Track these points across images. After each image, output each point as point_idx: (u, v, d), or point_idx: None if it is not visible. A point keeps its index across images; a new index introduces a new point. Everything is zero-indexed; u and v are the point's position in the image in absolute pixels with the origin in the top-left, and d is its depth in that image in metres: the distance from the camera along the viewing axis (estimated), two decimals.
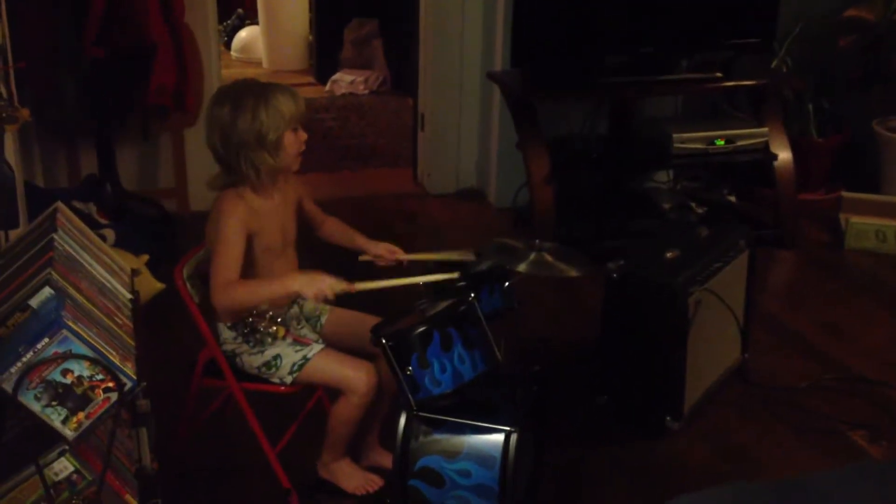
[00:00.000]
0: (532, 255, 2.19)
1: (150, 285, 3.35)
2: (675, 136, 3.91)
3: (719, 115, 4.29)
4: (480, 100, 4.40)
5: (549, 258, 2.19)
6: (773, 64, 4.30)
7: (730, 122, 4.11)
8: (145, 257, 3.43)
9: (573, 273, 2.16)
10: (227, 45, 7.35)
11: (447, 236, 4.10)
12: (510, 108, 3.96)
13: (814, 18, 4.32)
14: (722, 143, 3.97)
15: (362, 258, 2.45)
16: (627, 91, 3.95)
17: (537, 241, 2.21)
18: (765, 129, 4.00)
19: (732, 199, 4.48)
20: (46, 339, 1.63)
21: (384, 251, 2.43)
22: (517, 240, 2.29)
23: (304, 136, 2.26)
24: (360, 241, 2.48)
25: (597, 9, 3.84)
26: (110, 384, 1.67)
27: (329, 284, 2.15)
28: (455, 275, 2.17)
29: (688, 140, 3.93)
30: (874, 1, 4.26)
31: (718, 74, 3.96)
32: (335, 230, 2.52)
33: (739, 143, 3.99)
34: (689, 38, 3.98)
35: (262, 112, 2.16)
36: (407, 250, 2.44)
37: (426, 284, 2.21)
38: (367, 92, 6.35)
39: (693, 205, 4.23)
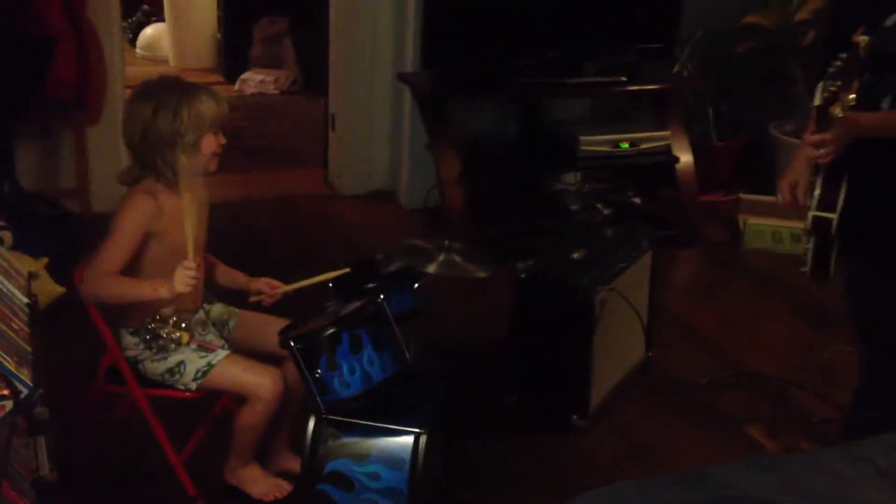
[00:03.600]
0: (441, 256, 2.21)
1: (50, 289, 3.24)
2: (581, 138, 3.99)
3: (625, 119, 4.39)
4: (392, 100, 4.39)
5: (457, 259, 2.21)
6: (676, 69, 4.42)
7: (635, 125, 4.21)
8: (45, 260, 3.32)
9: (481, 274, 2.19)
10: (132, 42, 7.18)
11: (359, 238, 4.08)
12: (420, 109, 3.98)
13: (714, 25, 4.45)
14: (627, 146, 4.07)
15: (251, 300, 2.41)
16: (535, 93, 4.02)
17: (446, 241, 2.23)
18: (667, 133, 4.11)
19: (637, 200, 4.57)
20: None
21: (265, 287, 2.39)
22: (426, 241, 2.30)
23: (222, 139, 2.24)
24: (241, 279, 2.45)
25: (505, 12, 3.90)
26: (5, 392, 1.62)
27: (190, 275, 2.12)
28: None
29: (594, 143, 4.02)
30: (771, 8, 4.42)
31: (623, 78, 4.05)
32: (217, 271, 2.47)
33: (643, 146, 4.09)
34: (594, 42, 4.08)
35: (185, 112, 2.14)
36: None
37: (334, 283, 2.22)
38: (277, 91, 6.30)
39: (599, 206, 4.32)
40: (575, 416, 2.77)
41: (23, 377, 1.64)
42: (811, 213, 2.13)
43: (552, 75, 3.99)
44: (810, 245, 2.15)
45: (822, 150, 2.02)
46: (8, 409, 1.62)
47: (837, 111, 1.95)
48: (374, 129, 4.45)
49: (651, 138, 4.11)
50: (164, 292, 2.14)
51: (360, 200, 4.49)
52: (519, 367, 2.86)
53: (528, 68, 3.96)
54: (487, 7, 3.87)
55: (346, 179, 4.53)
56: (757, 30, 4.39)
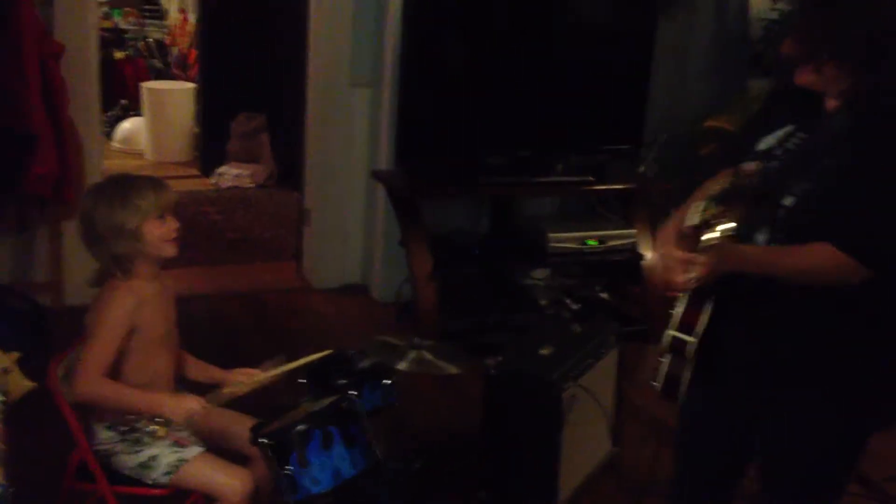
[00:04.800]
0: (412, 354, 2.25)
1: (21, 384, 3.22)
2: (550, 235, 4.10)
3: (593, 216, 4.52)
4: (365, 196, 4.50)
5: (428, 356, 2.25)
6: (641, 169, 4.57)
7: (602, 222, 4.34)
8: (16, 355, 3.31)
9: (452, 370, 2.23)
10: (109, 136, 7.27)
11: (331, 330, 4.13)
12: (393, 205, 4.08)
13: (678, 128, 4.63)
14: (594, 242, 4.18)
15: (226, 391, 2.38)
16: (505, 191, 4.14)
17: (415, 339, 2.28)
18: (633, 231, 4.23)
19: (605, 295, 4.67)
20: None
21: (242, 377, 2.40)
22: (398, 338, 2.35)
23: (174, 224, 2.30)
24: (217, 374, 2.47)
25: (477, 112, 4.05)
26: None
27: (196, 406, 2.19)
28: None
29: (563, 240, 4.13)
30: (732, 113, 4.61)
31: (590, 178, 4.19)
32: (190, 366, 2.50)
33: (610, 243, 4.21)
34: (563, 142, 4.22)
35: (118, 203, 2.22)
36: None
37: (307, 377, 2.25)
38: (253, 185, 6.36)
39: (568, 301, 4.40)
40: None
41: None
42: (668, 332, 1.99)
43: (522, 174, 4.12)
44: (665, 360, 2.02)
45: (690, 276, 1.88)
46: None
47: (711, 237, 1.83)
48: (347, 224, 4.55)
49: (618, 236, 4.24)
50: (166, 409, 2.19)
51: (334, 294, 4.55)
52: (489, 463, 2.88)
53: (500, 166, 4.09)
54: (460, 106, 4.02)
55: (319, 273, 4.60)
56: (718, 133, 4.57)
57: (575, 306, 4.39)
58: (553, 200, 4.70)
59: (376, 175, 4.22)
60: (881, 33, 1.81)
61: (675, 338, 1.98)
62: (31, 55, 3.45)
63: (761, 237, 1.90)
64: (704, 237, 1.84)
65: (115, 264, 2.25)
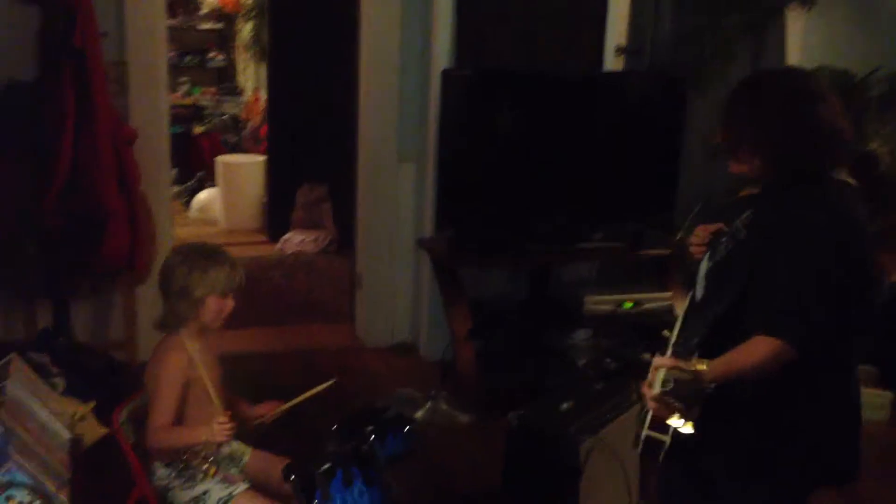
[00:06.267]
0: (428, 404, 2.50)
1: (95, 430, 3.58)
2: (586, 298, 4.32)
3: (628, 280, 4.71)
4: (413, 260, 4.78)
5: (443, 406, 2.50)
6: (678, 236, 4.75)
7: (637, 286, 4.53)
8: (92, 404, 3.66)
9: (464, 420, 2.47)
10: (187, 205, 7.76)
11: (379, 387, 4.36)
12: (435, 271, 4.35)
13: (714, 197, 4.80)
14: (630, 305, 4.38)
15: (256, 423, 2.67)
16: (540, 260, 4.36)
17: (433, 391, 2.53)
18: (669, 294, 4.42)
19: (648, 356, 4.82)
20: None
21: (266, 409, 2.67)
22: (417, 392, 2.60)
23: (230, 304, 2.59)
24: (244, 406, 2.72)
25: (515, 185, 4.28)
26: None
27: (227, 427, 2.45)
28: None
29: (599, 302, 4.34)
30: None
31: (623, 245, 4.39)
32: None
33: (646, 305, 4.40)
34: (597, 213, 4.45)
35: (197, 270, 2.52)
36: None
37: (339, 425, 2.52)
38: (315, 251, 6.74)
39: (608, 360, 4.58)
40: None
41: (62, 497, 1.96)
42: (643, 432, 2.06)
43: (560, 242, 4.34)
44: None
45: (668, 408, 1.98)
46: None
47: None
48: (396, 287, 4.83)
49: (653, 299, 4.42)
50: (205, 437, 2.48)
51: (384, 352, 4.80)
52: None
53: (537, 235, 4.32)
54: (498, 175, 4.25)
55: (371, 333, 4.88)
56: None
57: (614, 366, 4.55)
58: (590, 265, 4.90)
59: (420, 243, 4.52)
60: (777, 126, 2.01)
61: (649, 437, 2.07)
62: (106, 142, 3.85)
63: (696, 340, 2.04)
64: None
65: (171, 315, 2.55)
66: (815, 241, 1.97)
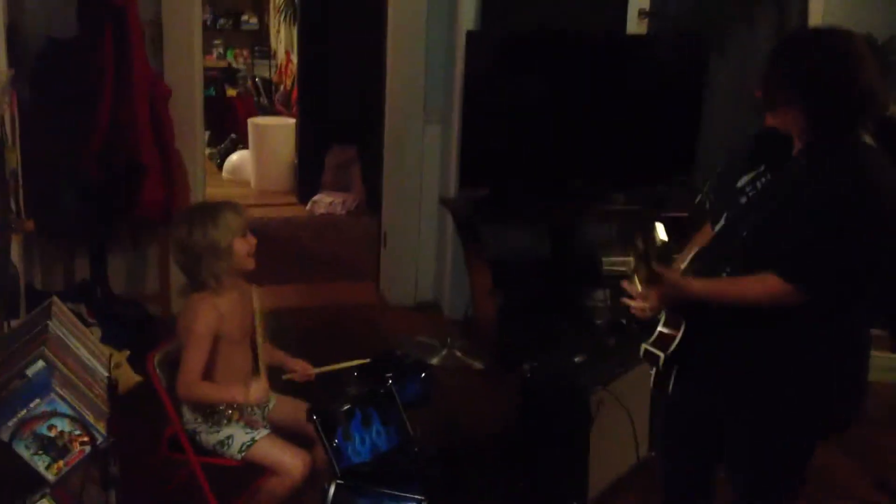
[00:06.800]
0: (444, 351, 2.63)
1: (130, 377, 3.77)
2: (604, 259, 4.42)
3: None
4: (437, 220, 4.90)
5: (458, 353, 2.63)
6: (697, 199, 4.82)
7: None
8: (126, 353, 3.85)
9: (478, 366, 2.60)
10: (220, 167, 7.93)
11: (401, 343, 4.50)
12: (458, 229, 4.47)
13: (734, 160, 4.85)
14: None
15: (285, 377, 2.83)
16: (563, 218, 4.45)
17: (448, 339, 2.66)
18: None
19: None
20: (38, 400, 2.06)
21: (300, 367, 2.82)
22: (433, 338, 2.73)
23: (253, 240, 2.70)
24: (281, 357, 2.88)
25: (539, 144, 4.35)
26: (86, 438, 2.09)
27: (262, 389, 2.61)
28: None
29: (616, 263, 4.43)
30: None
31: (639, 207, 4.46)
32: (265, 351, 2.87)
33: None
34: (621, 173, 4.52)
35: (210, 225, 2.62)
36: (363, 355, 2.85)
37: (358, 370, 2.66)
38: (344, 212, 6.89)
39: (625, 321, 4.67)
40: (574, 503, 3.11)
41: (100, 428, 2.12)
42: (643, 346, 2.34)
43: (582, 201, 4.41)
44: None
45: (643, 306, 2.24)
46: (87, 452, 2.10)
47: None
48: (420, 246, 4.95)
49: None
50: (240, 398, 2.63)
51: (407, 310, 4.94)
52: (525, 455, 3.22)
53: (559, 194, 4.40)
54: (521, 136, 4.32)
55: (394, 291, 5.02)
56: None
57: (634, 326, 4.65)
58: (613, 229, 4.98)
59: (443, 201, 4.63)
60: (819, 85, 2.07)
61: (647, 351, 2.33)
62: (142, 97, 4.00)
63: (728, 269, 2.17)
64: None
65: (206, 280, 2.64)
66: (844, 199, 2.03)
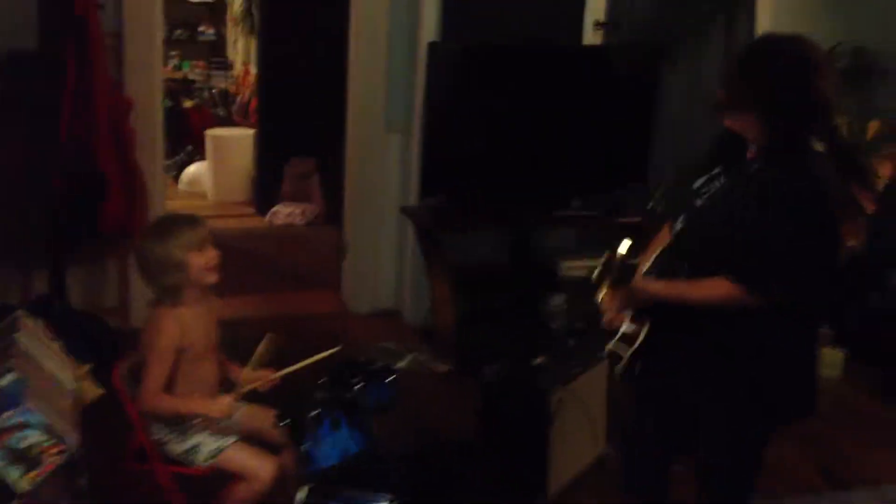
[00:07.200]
0: (409, 356, 2.69)
1: (91, 390, 3.77)
2: (562, 264, 4.52)
3: (605, 247, 4.88)
4: (397, 229, 4.95)
5: (421, 358, 2.69)
6: (649, 206, 4.94)
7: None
8: (87, 366, 3.84)
9: (441, 369, 2.66)
10: (176, 179, 7.88)
11: (368, 350, 4.53)
12: (417, 237, 4.53)
13: (683, 167, 4.98)
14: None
15: (248, 387, 2.79)
16: (521, 225, 4.53)
17: (411, 344, 2.71)
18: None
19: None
20: (9, 412, 2.09)
21: (261, 375, 2.79)
22: (397, 345, 2.79)
23: (213, 253, 2.69)
24: (236, 372, 2.86)
25: (498, 153, 4.40)
26: (57, 449, 2.12)
27: (227, 404, 2.64)
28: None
29: (573, 268, 4.53)
30: None
31: (595, 214, 4.57)
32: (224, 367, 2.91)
33: None
34: (577, 180, 4.61)
35: (166, 237, 2.63)
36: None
37: (327, 375, 2.69)
38: (303, 223, 6.91)
39: (580, 325, 4.77)
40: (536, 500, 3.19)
41: (70, 437, 2.15)
42: (608, 346, 2.45)
43: (539, 209, 4.49)
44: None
45: (612, 316, 2.37)
46: (59, 462, 2.13)
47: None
48: (381, 255, 5.00)
49: None
50: (203, 411, 2.65)
51: (368, 318, 4.99)
52: (488, 455, 3.28)
53: (517, 201, 4.48)
54: (481, 146, 4.36)
55: (355, 299, 5.07)
56: None
57: (585, 327, 4.74)
58: (569, 233, 5.08)
59: (404, 210, 4.69)
60: (778, 93, 2.15)
61: (611, 351, 2.44)
62: (103, 110, 4.00)
63: (687, 270, 2.27)
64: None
65: (166, 294, 2.67)
66: (795, 204, 2.12)
